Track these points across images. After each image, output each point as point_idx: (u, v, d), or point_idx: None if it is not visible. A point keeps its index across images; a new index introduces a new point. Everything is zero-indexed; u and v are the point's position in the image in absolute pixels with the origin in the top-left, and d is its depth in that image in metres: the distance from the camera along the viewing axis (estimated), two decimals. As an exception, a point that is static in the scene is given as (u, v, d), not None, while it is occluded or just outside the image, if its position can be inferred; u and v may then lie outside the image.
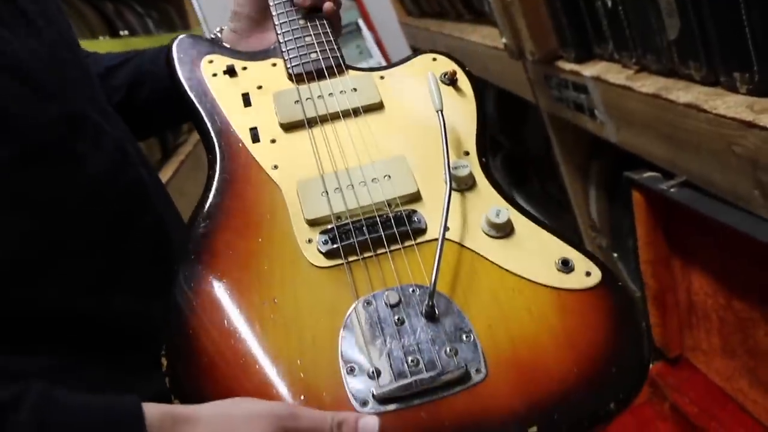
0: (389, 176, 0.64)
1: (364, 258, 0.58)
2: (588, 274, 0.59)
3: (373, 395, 0.51)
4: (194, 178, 1.28)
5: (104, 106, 0.66)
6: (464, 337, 0.55)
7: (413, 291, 0.57)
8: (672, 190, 0.89)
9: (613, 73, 1.02)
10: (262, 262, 0.59)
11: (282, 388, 0.52)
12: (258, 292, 0.57)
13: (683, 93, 0.85)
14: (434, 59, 0.75)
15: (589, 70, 1.08)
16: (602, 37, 1.04)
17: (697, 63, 0.84)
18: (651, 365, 1.02)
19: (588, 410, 0.51)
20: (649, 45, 0.93)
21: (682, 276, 0.99)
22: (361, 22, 2.78)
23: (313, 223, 0.61)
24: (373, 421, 0.49)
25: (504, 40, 1.31)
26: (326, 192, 0.63)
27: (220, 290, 0.57)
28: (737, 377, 0.90)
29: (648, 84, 0.93)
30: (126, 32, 1.48)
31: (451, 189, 0.61)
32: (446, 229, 0.59)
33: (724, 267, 0.89)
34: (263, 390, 0.52)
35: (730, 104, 0.78)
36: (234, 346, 0.54)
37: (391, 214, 0.61)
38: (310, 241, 0.60)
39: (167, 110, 0.76)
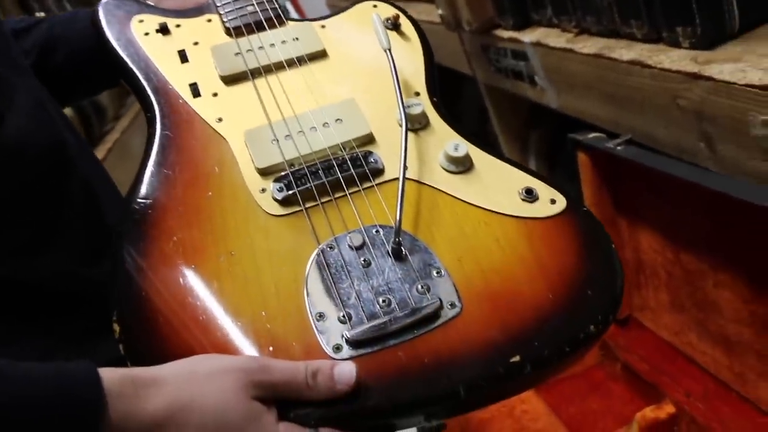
0: (340, 120, 0.60)
1: (322, 203, 0.54)
2: (553, 201, 0.56)
3: (346, 340, 0.47)
4: (123, 168, 1.20)
5: (18, 63, 0.59)
6: (434, 273, 0.51)
7: (377, 232, 0.53)
8: (618, 148, 0.85)
9: (553, 38, 0.98)
10: (214, 216, 0.54)
11: (248, 342, 0.47)
12: (213, 246, 0.52)
13: (626, 51, 0.82)
14: (375, 5, 0.71)
15: (528, 36, 1.04)
16: (540, 2, 1.01)
17: (639, 21, 0.81)
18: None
19: (568, 335, 0.48)
20: (588, 7, 0.89)
21: (630, 235, 0.95)
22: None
23: (265, 172, 0.57)
24: (349, 367, 0.44)
25: (440, 11, 1.27)
26: (276, 140, 0.58)
27: (171, 248, 0.51)
28: (686, 331, 0.88)
29: (589, 45, 0.89)
30: (42, 14, 1.37)
31: (407, 126, 0.57)
32: (405, 167, 0.54)
33: (671, 221, 0.87)
34: (228, 346, 0.47)
35: (674, 58, 0.75)
36: (191, 304, 0.49)
37: (347, 156, 0.57)
38: (263, 190, 0.55)
39: (87, 75, 0.69)
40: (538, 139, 1.34)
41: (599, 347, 1.00)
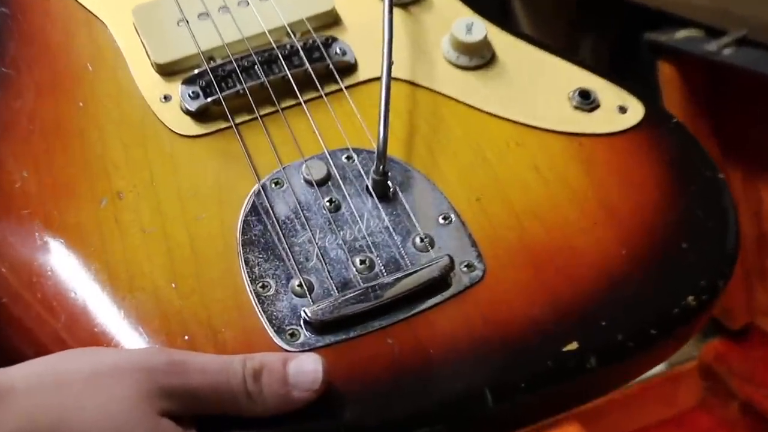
0: None
1: (262, 116, 0.54)
2: (622, 109, 0.56)
3: (305, 321, 0.47)
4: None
5: None
6: (441, 219, 0.51)
7: (349, 159, 0.53)
8: (725, 51, 0.83)
9: None
10: (88, 139, 0.53)
11: (146, 329, 0.47)
12: (87, 185, 0.52)
13: None
14: None
15: None
16: None
17: None
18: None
19: (653, 310, 0.48)
20: None
21: (745, 191, 0.94)
22: None
23: (168, 70, 0.56)
24: (312, 361, 0.44)
25: None
26: (185, 20, 0.58)
27: (14, 192, 0.51)
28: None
29: None
30: None
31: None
32: (390, 62, 0.54)
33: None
34: (112, 336, 0.46)
35: None
36: (54, 278, 0.48)
37: (298, 44, 0.56)
38: (166, 98, 0.55)
39: None
40: (592, 46, 1.33)
41: (702, 375, 0.97)
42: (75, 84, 0.56)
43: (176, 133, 0.54)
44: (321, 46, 0.57)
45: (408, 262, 0.49)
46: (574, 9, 1.32)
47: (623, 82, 0.58)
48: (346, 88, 0.56)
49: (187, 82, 0.55)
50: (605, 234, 0.51)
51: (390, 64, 0.54)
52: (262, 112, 0.55)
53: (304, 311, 0.47)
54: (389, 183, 0.52)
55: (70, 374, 0.42)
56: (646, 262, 0.50)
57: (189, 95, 0.55)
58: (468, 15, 0.59)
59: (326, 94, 0.55)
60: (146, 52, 0.57)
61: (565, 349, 0.46)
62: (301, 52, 0.56)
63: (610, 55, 1.27)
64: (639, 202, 0.52)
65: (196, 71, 0.56)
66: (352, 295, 0.47)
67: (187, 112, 0.54)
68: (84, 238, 0.50)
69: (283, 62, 0.55)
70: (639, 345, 0.48)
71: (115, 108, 0.55)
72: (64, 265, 0.49)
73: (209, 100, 0.54)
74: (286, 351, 0.46)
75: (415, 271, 0.48)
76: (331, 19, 0.59)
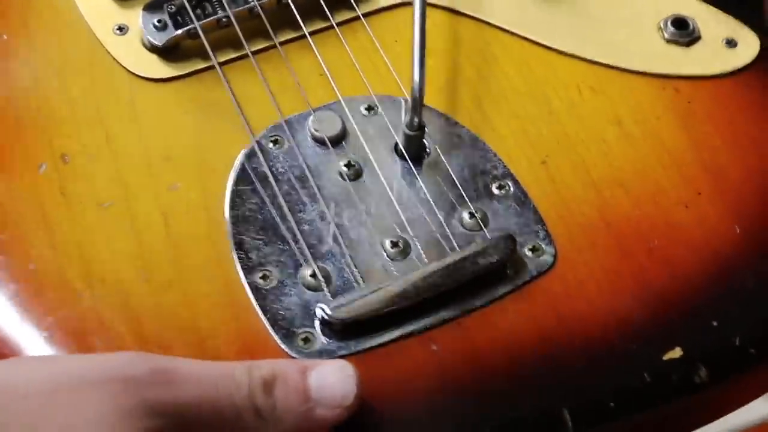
0: None
1: (254, 53, 0.55)
2: (731, 43, 0.57)
3: (322, 320, 0.47)
4: None
5: None
6: (495, 188, 0.52)
7: (370, 110, 0.54)
8: None
9: None
10: (18, 85, 0.55)
11: (116, 327, 0.47)
12: (21, 146, 0.53)
13: None
14: None
15: None
16: None
17: None
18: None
19: None
20: None
21: None
22: None
23: None
24: (341, 370, 0.44)
25: None
26: None
27: None
28: None
29: None
30: None
31: None
32: None
33: None
34: (67, 343, 0.47)
35: None
36: None
37: (298, -44, 0.57)
38: (122, 29, 0.57)
39: None
40: None
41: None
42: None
43: (136, 75, 0.55)
44: (331, -40, 0.57)
45: (455, 244, 0.50)
46: None
47: (735, 8, 0.59)
48: (364, 16, 0.57)
49: (150, 7, 0.56)
50: (713, 207, 0.52)
51: None
52: (254, 48, 0.55)
53: (321, 308, 0.47)
54: (426, 141, 0.52)
55: (22, 389, 0.42)
56: (764, 242, 0.51)
57: (154, 25, 0.55)
58: None
59: (338, 24, 0.56)
60: None
61: (665, 358, 0.47)
62: (306, -33, 0.56)
63: None
64: (754, 166, 0.53)
65: None
66: (383, 288, 0.47)
67: (152, 48, 0.55)
68: (19, 217, 0.50)
69: (282, -20, 0.56)
70: (762, 351, 0.48)
71: (54, 43, 0.56)
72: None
73: (181, 31, 0.55)
74: (298, 358, 0.46)
75: (466, 257, 0.48)
76: None
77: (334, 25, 0.56)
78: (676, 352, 0.47)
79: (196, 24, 0.55)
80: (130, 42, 0.56)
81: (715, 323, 0.48)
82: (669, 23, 0.57)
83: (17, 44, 0.56)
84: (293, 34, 0.56)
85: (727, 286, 0.50)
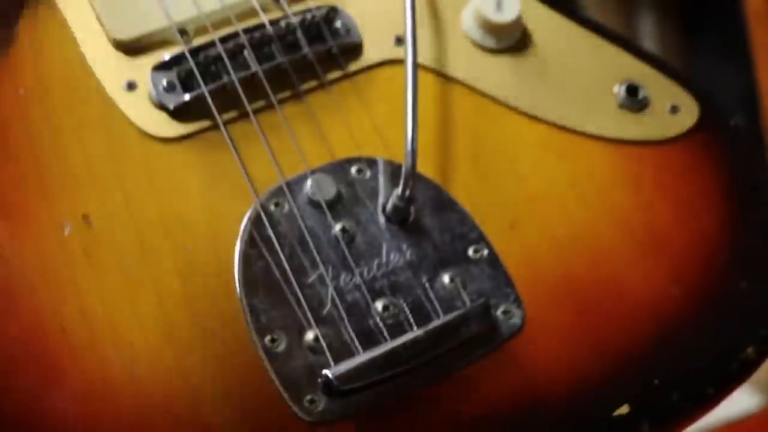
0: None
1: (256, 111, 0.57)
2: (674, 109, 0.61)
3: (325, 384, 0.50)
4: None
5: None
6: (471, 251, 0.55)
7: (360, 172, 0.56)
8: None
9: None
10: (39, 140, 0.56)
11: (141, 393, 0.50)
12: (45, 205, 0.54)
13: None
14: None
15: None
16: None
17: None
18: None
19: (710, 365, 0.55)
20: None
21: None
22: None
23: (133, 48, 0.59)
24: None
25: None
26: None
27: None
28: None
29: None
30: None
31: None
32: (415, 47, 0.58)
33: None
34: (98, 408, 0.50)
35: None
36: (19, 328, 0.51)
37: (294, 21, 0.59)
38: (131, 86, 0.58)
39: None
40: None
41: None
42: (12, 68, 0.57)
43: (147, 134, 0.56)
44: (322, 22, 0.59)
45: (438, 308, 0.53)
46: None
47: (674, 71, 0.63)
48: (351, 75, 0.59)
49: (160, 67, 0.57)
50: (656, 269, 0.56)
51: (415, 52, 0.57)
52: (254, 107, 0.57)
53: (326, 375, 0.50)
54: (411, 208, 0.55)
55: None
56: (701, 303, 0.56)
57: (163, 87, 0.57)
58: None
59: (327, 83, 0.59)
60: (101, 24, 0.59)
61: (615, 414, 0.52)
62: (299, 32, 0.59)
63: None
64: (694, 229, 0.58)
65: (169, 56, 0.58)
66: (380, 354, 0.51)
67: (160, 107, 0.57)
68: (49, 279, 0.52)
69: (279, 45, 0.58)
70: (695, 405, 0.54)
71: (67, 100, 0.57)
72: (26, 310, 0.52)
73: (191, 95, 0.57)
74: (307, 422, 0.50)
75: (452, 324, 0.52)
76: (325, -18, 0.61)
77: (325, 84, 0.58)
78: (624, 409, 0.52)
79: (204, 89, 0.56)
80: (140, 99, 0.57)
81: (656, 381, 0.53)
82: (622, 89, 0.61)
83: (33, 99, 0.57)
84: (288, 93, 0.58)
85: (667, 346, 0.54)
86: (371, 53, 0.60)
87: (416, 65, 0.57)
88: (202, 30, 0.59)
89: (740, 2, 0.93)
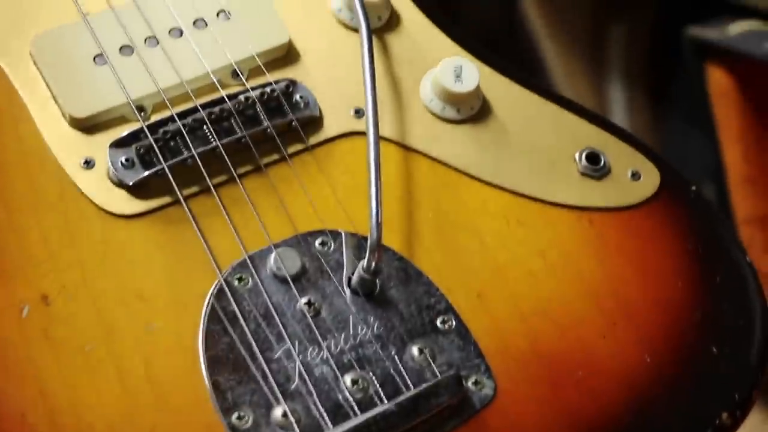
0: (227, 14, 0.62)
1: (217, 185, 0.57)
2: (635, 176, 0.61)
3: None
4: None
5: None
6: (439, 322, 0.55)
7: (324, 245, 0.56)
8: None
9: None
10: None
11: None
12: (3, 287, 0.53)
13: None
14: None
15: None
16: None
17: None
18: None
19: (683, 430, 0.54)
20: None
21: None
22: None
23: (90, 126, 0.58)
24: None
25: None
26: (104, 55, 0.59)
27: None
28: None
29: None
30: None
31: (368, 26, 0.60)
32: (377, 121, 0.58)
33: None
34: None
35: None
36: None
37: (254, 95, 0.59)
38: (88, 163, 0.57)
39: None
40: (627, 40, 1.30)
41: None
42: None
43: (107, 211, 0.56)
44: (281, 95, 0.59)
45: (408, 381, 0.53)
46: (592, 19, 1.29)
47: (633, 138, 0.63)
48: (311, 148, 0.59)
49: (118, 144, 0.57)
50: (626, 338, 0.56)
51: (376, 126, 0.57)
52: (216, 181, 0.57)
53: None
54: (377, 280, 0.55)
55: None
56: (673, 371, 0.55)
57: (122, 163, 0.56)
58: (456, 53, 0.63)
59: (290, 156, 0.58)
60: (55, 100, 0.59)
61: None
62: (258, 106, 0.59)
63: (646, 57, 1.20)
64: (661, 296, 0.58)
65: (127, 132, 0.57)
66: (350, 428, 0.50)
67: (118, 184, 0.56)
68: (7, 363, 0.51)
69: (239, 119, 0.58)
70: None
71: (24, 178, 0.56)
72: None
73: (151, 172, 0.56)
74: None
75: (422, 395, 0.51)
76: (286, 55, 0.62)
77: (286, 156, 0.58)
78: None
79: (164, 165, 0.56)
80: (98, 177, 0.56)
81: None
82: (583, 157, 0.61)
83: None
84: (249, 167, 0.58)
85: (640, 416, 0.54)
86: (331, 126, 0.60)
87: (378, 139, 0.57)
88: (160, 106, 0.59)
89: (705, 79, 0.94)
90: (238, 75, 0.60)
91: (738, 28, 0.89)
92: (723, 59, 0.91)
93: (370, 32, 0.60)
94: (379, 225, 0.54)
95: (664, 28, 1.07)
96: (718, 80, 0.92)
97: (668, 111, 1.10)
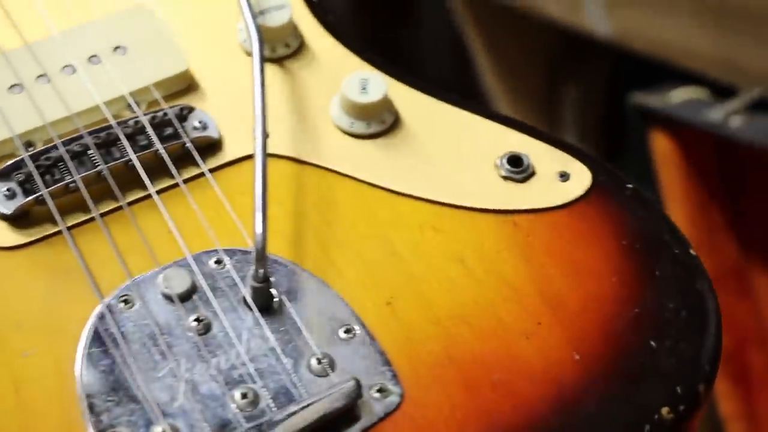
0: (123, 48, 0.62)
1: (102, 215, 0.56)
2: (564, 176, 0.59)
3: None
4: None
5: None
6: (342, 332, 0.53)
7: (219, 263, 0.55)
8: (734, 122, 0.84)
9: None
10: None
11: None
12: None
13: None
14: None
15: None
16: None
17: None
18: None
19: (622, 429, 0.51)
20: None
21: (757, 286, 0.97)
22: None
23: None
24: None
25: None
26: None
27: None
28: None
29: None
30: None
31: (261, 51, 0.59)
32: (266, 134, 0.56)
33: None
34: None
35: None
36: None
37: (144, 119, 0.58)
38: None
39: None
40: (581, 102, 1.31)
41: None
42: None
43: None
44: (174, 118, 0.58)
45: (303, 391, 0.50)
46: (554, 52, 1.32)
47: (565, 144, 0.61)
48: (210, 171, 0.58)
49: (1, 176, 0.56)
50: (552, 336, 0.53)
51: (265, 137, 0.56)
52: (102, 210, 0.56)
53: None
54: (273, 291, 0.53)
55: None
56: (605, 368, 0.52)
57: (4, 195, 0.55)
58: (361, 67, 0.62)
59: (184, 181, 0.57)
60: None
61: None
62: (149, 129, 0.58)
63: (599, 119, 1.23)
64: (591, 293, 0.55)
65: (9, 162, 0.56)
66: None
67: (1, 217, 0.55)
68: None
69: (126, 143, 0.57)
70: None
71: None
72: None
73: (29, 199, 0.55)
74: None
75: (312, 403, 0.49)
76: (185, 84, 0.61)
77: (180, 182, 0.57)
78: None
79: (44, 191, 0.55)
80: None
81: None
82: (504, 161, 0.59)
83: None
84: (140, 194, 0.57)
85: (568, 416, 0.51)
86: (232, 149, 0.59)
87: (265, 148, 0.56)
88: (49, 141, 0.58)
89: (650, 143, 0.96)
90: (132, 105, 0.59)
91: (680, 95, 0.91)
92: (666, 125, 0.93)
93: (263, 60, 0.59)
94: (264, 220, 0.53)
95: (616, 92, 1.08)
96: (662, 145, 0.94)
97: (620, 166, 1.09)
